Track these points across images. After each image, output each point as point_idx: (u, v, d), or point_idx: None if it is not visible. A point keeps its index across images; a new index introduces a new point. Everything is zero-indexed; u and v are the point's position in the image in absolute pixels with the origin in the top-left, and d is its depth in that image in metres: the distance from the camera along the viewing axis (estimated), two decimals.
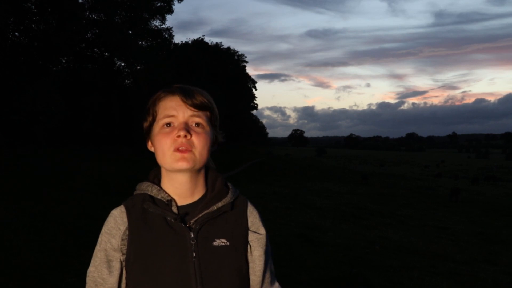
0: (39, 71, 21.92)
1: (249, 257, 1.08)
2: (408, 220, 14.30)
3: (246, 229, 1.08)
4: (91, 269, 1.05)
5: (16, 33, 22.22)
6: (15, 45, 21.64)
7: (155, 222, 1.02)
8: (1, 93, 19.02)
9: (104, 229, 1.05)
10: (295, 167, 42.04)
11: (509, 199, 25.16)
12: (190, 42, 49.19)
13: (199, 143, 1.01)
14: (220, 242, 1.03)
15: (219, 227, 1.04)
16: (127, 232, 1.02)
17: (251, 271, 1.09)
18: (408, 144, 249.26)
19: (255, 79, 68.20)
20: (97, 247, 1.05)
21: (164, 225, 1.01)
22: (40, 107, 19.26)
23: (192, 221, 1.02)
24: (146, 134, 1.09)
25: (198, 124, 1.03)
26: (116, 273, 1.03)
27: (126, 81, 31.86)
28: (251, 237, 1.09)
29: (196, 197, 1.07)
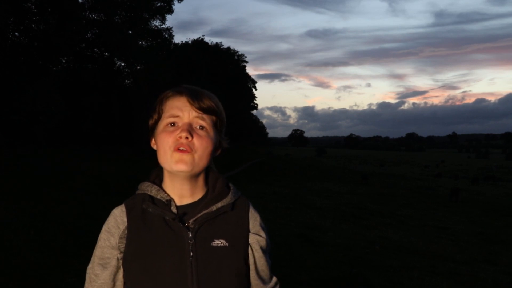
0: (39, 71, 21.91)
1: (250, 259, 1.08)
2: (408, 220, 14.30)
3: (247, 231, 1.08)
4: (89, 266, 1.08)
5: (16, 33, 22.21)
6: (15, 45, 21.63)
7: (154, 222, 1.02)
8: (1, 93, 19.02)
9: (104, 228, 1.06)
10: (295, 167, 42.04)
11: (509, 199, 25.16)
12: (190, 42, 49.20)
13: (200, 146, 1.00)
14: (219, 242, 1.02)
15: (219, 228, 1.04)
16: (126, 231, 1.03)
17: (252, 272, 1.09)
18: (408, 144, 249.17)
19: (255, 79, 68.29)
20: (96, 245, 1.07)
21: (163, 225, 1.01)
22: (40, 107, 19.26)
23: (191, 221, 1.02)
24: (151, 132, 1.09)
25: (202, 127, 1.02)
26: (111, 269, 1.03)
27: (126, 81, 31.86)
28: (252, 239, 1.09)
29: (197, 197, 1.07)
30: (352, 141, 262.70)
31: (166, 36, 33.27)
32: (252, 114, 79.15)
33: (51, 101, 19.70)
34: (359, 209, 15.38)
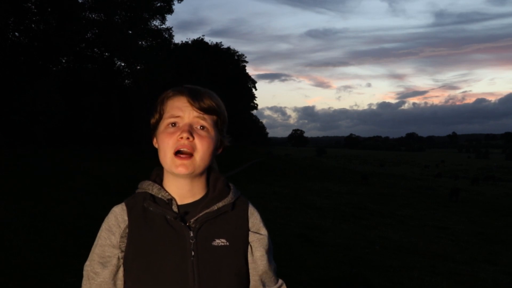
0: (39, 71, 21.90)
1: (250, 258, 1.08)
2: (408, 220, 14.29)
3: (246, 230, 1.08)
4: (86, 263, 1.06)
5: (16, 33, 22.21)
6: (15, 45, 21.62)
7: (155, 221, 1.02)
8: (1, 93, 19.01)
9: (104, 226, 1.05)
10: (295, 167, 42.03)
11: (509, 199, 25.16)
12: (190, 42, 49.25)
13: (202, 147, 1.01)
14: (219, 242, 1.03)
15: (219, 227, 1.04)
16: (127, 230, 1.03)
17: (252, 271, 1.09)
18: (408, 144, 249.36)
19: (255, 79, 68.39)
20: (96, 243, 1.05)
21: (164, 224, 1.01)
22: (40, 107, 19.26)
23: (192, 220, 1.02)
24: (153, 131, 1.09)
25: (203, 127, 1.03)
26: (111, 268, 1.02)
27: (126, 81, 31.84)
28: (252, 237, 1.09)
29: (197, 197, 1.08)
30: (352, 141, 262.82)
31: (166, 36, 33.26)
32: (252, 114, 79.23)
33: (51, 101, 19.70)
34: (359, 209, 15.38)
